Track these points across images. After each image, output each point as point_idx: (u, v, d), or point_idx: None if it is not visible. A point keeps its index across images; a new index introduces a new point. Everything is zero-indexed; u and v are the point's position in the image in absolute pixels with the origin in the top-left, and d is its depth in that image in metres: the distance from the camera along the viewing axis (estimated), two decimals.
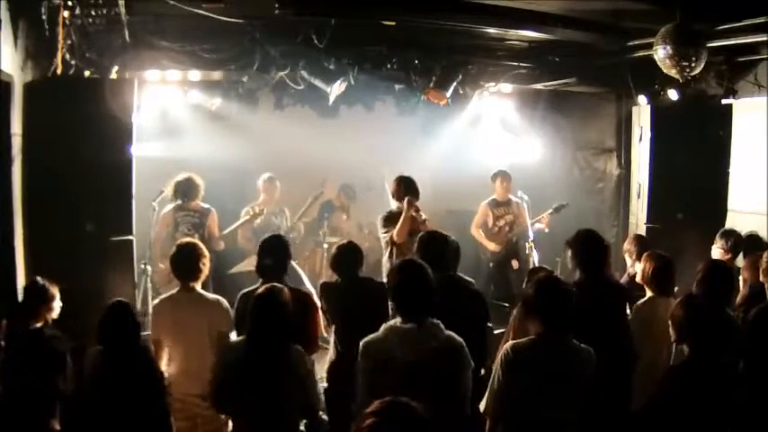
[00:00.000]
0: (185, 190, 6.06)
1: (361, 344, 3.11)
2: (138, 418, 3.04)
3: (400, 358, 2.98)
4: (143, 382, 3.09)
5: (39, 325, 3.66)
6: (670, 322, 3.23)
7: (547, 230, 6.98)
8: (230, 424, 3.97)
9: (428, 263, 3.96)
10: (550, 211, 7.12)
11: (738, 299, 4.50)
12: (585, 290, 3.83)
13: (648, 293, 4.15)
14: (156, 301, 4.19)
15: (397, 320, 3.10)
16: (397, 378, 2.97)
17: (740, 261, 5.05)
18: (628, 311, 4.37)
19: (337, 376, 4.27)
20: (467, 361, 3.11)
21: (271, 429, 3.23)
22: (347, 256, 4.53)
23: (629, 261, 5.11)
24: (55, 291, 3.75)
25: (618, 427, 3.68)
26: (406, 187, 5.70)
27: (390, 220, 5.66)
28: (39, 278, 3.76)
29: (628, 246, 5.18)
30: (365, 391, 3.01)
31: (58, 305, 3.75)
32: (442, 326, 3.13)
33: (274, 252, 4.23)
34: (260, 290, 3.37)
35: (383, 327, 3.13)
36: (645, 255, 4.34)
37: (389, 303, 3.22)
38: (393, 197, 5.83)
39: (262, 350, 3.21)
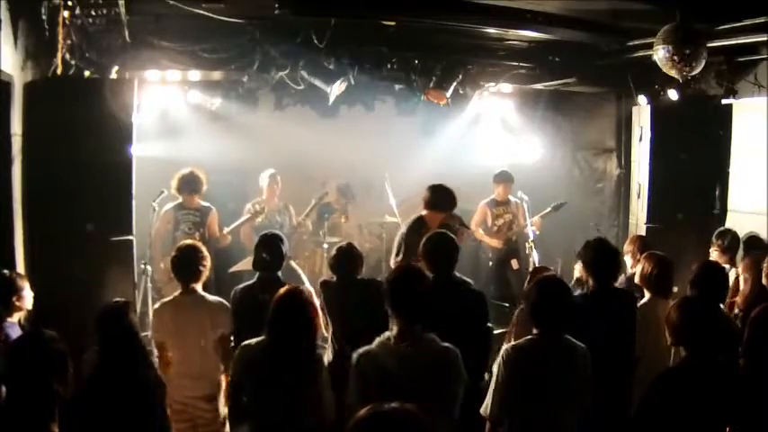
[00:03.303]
0: (190, 183, 6.07)
1: (354, 356, 3.09)
2: (136, 421, 3.02)
3: (393, 374, 2.95)
4: (141, 386, 3.08)
5: (16, 317, 3.73)
6: (666, 325, 3.24)
7: (538, 233, 6.96)
8: (227, 425, 3.98)
9: (432, 264, 3.99)
10: (548, 210, 7.12)
11: (740, 298, 4.51)
12: (596, 298, 3.87)
13: (647, 295, 4.15)
14: (158, 304, 4.19)
15: (390, 334, 3.05)
16: (389, 392, 2.96)
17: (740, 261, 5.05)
18: None
19: (335, 377, 4.26)
20: (461, 374, 3.06)
21: (287, 430, 3.21)
22: (345, 258, 4.53)
23: (629, 262, 5.10)
24: (22, 281, 3.83)
25: (616, 428, 3.68)
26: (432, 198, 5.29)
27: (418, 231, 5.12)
28: (4, 270, 3.81)
29: (628, 246, 5.18)
30: (357, 402, 3.01)
31: (29, 294, 3.82)
32: (436, 339, 3.07)
33: (273, 248, 4.24)
34: (282, 291, 3.32)
35: (377, 341, 3.07)
36: (643, 256, 4.34)
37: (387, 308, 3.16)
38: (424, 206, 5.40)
39: (282, 351, 3.18)
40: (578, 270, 4.72)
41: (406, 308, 3.05)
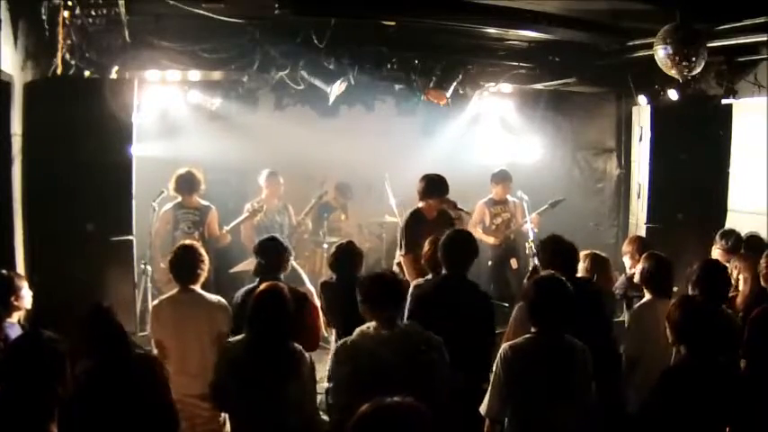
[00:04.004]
0: (187, 182, 6.06)
1: (334, 348, 3.13)
2: (135, 419, 3.02)
3: (375, 359, 3.02)
4: (139, 383, 3.07)
5: (15, 316, 3.72)
6: (667, 324, 3.24)
7: (536, 231, 6.96)
8: (227, 424, 3.97)
9: (449, 261, 4.03)
10: (545, 207, 7.12)
11: (740, 298, 4.51)
12: None
13: (647, 295, 4.14)
14: (156, 301, 4.19)
15: (370, 325, 3.16)
16: (371, 378, 3.00)
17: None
18: (626, 315, 4.39)
19: None
20: (444, 359, 3.17)
21: (270, 429, 3.22)
22: (345, 257, 4.54)
23: (627, 262, 5.11)
24: (20, 280, 3.82)
25: (615, 428, 3.69)
26: (428, 187, 5.41)
27: (417, 222, 5.39)
28: (2, 270, 3.80)
29: (627, 247, 5.18)
30: (341, 395, 3.06)
31: (27, 293, 3.81)
32: (417, 325, 3.20)
33: (268, 253, 4.25)
34: (260, 288, 3.36)
35: (356, 331, 3.18)
36: (644, 255, 4.33)
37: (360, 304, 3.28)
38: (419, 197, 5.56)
39: (262, 348, 3.20)
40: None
41: (383, 302, 3.19)
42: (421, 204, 5.50)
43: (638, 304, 4.15)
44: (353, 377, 3.05)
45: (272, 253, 4.25)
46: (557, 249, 4.08)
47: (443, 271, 4.09)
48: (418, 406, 1.84)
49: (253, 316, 3.26)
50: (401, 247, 5.42)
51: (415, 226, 5.32)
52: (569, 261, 4.07)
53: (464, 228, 5.44)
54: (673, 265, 4.17)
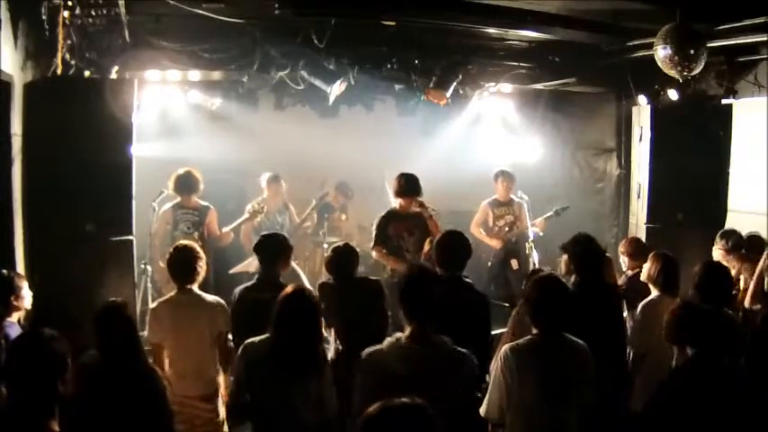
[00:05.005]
0: (186, 183, 6.05)
1: (362, 355, 3.06)
2: (138, 419, 3.02)
3: (401, 374, 2.89)
4: (143, 384, 3.08)
5: (15, 316, 3.73)
6: (665, 330, 3.22)
7: (542, 234, 6.97)
8: (226, 426, 3.98)
9: (444, 262, 4.03)
10: (550, 214, 7.13)
11: (740, 298, 4.50)
12: (581, 292, 3.89)
13: (655, 292, 4.16)
14: (155, 303, 4.18)
15: (401, 335, 3.01)
16: (396, 394, 2.93)
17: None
18: (626, 313, 4.40)
19: (338, 375, 4.27)
20: (472, 376, 3.02)
21: (291, 428, 3.20)
22: (341, 258, 4.55)
23: (624, 262, 5.13)
24: (20, 280, 3.82)
25: (619, 427, 3.69)
26: (403, 186, 5.59)
27: (388, 218, 5.65)
28: (2, 270, 3.80)
29: (623, 247, 5.21)
30: (363, 403, 2.97)
31: (28, 293, 3.81)
32: (447, 340, 3.03)
33: (269, 248, 4.26)
34: (288, 290, 3.32)
35: (387, 341, 3.03)
36: (651, 254, 4.36)
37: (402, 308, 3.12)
38: (394, 195, 5.74)
39: (289, 351, 3.17)
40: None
41: (421, 310, 3.01)
42: (394, 203, 5.72)
43: (644, 301, 4.18)
44: (377, 391, 2.95)
45: (271, 248, 4.26)
46: (589, 248, 4.16)
47: (438, 271, 4.09)
48: (425, 407, 1.83)
49: (280, 316, 3.20)
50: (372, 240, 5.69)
51: (385, 221, 5.62)
52: (599, 263, 4.17)
53: (437, 223, 5.54)
54: (679, 264, 4.19)
